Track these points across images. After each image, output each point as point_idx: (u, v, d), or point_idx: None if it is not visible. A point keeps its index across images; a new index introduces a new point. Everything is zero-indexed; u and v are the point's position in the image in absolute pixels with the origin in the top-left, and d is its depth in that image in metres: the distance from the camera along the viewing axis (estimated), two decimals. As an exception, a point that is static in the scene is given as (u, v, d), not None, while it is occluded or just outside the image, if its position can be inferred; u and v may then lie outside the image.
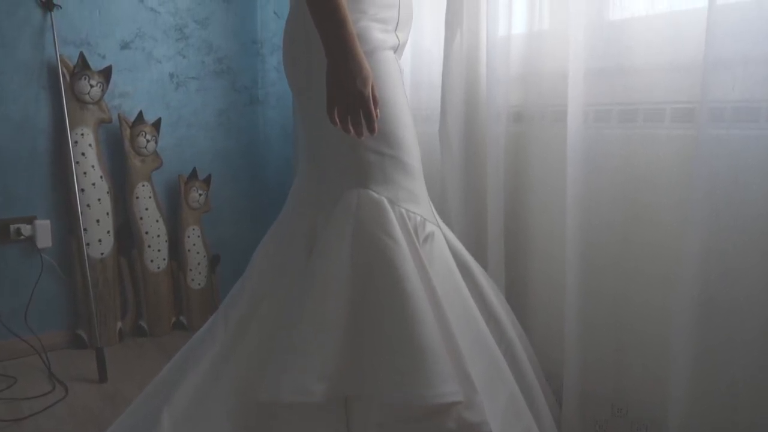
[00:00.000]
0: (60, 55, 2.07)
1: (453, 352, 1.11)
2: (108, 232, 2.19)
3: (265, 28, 2.56)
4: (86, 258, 2.08)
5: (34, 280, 2.09)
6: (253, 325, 1.23)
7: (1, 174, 2.04)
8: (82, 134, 2.12)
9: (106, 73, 2.15)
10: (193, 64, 2.40)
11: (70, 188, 2.08)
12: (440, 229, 1.27)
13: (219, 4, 2.43)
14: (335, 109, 1.09)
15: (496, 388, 1.17)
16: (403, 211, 1.18)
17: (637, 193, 1.36)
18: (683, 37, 1.26)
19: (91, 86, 2.11)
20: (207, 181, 2.42)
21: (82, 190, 2.11)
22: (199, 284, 2.42)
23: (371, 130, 1.10)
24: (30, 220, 2.09)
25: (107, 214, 2.18)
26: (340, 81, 1.07)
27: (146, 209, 2.27)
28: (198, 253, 2.40)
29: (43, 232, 2.11)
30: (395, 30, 1.25)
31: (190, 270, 2.39)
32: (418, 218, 1.20)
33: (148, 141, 2.24)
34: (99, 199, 2.16)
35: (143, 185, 2.26)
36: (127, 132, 2.23)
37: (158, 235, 2.31)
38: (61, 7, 2.08)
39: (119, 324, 2.25)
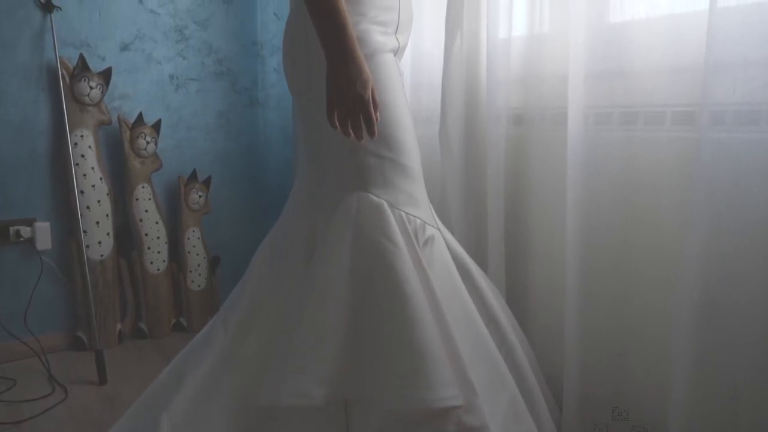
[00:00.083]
0: (60, 57, 2.06)
1: (453, 356, 1.11)
2: (108, 233, 2.19)
3: (265, 30, 2.56)
4: (86, 260, 2.08)
5: (33, 282, 2.09)
6: (252, 329, 1.23)
7: (0, 176, 2.04)
8: (82, 136, 2.12)
9: (106, 75, 2.15)
10: (193, 66, 2.39)
11: (69, 190, 2.08)
12: (440, 232, 1.26)
13: (219, 5, 2.42)
14: (335, 112, 1.09)
15: (497, 392, 1.17)
16: (403, 214, 1.18)
17: (638, 195, 1.36)
18: (684, 40, 1.26)
19: (91, 88, 2.10)
20: (207, 182, 2.41)
21: (82, 191, 2.11)
22: (199, 286, 2.42)
23: (371, 133, 1.10)
24: (30, 222, 2.09)
25: (107, 215, 2.18)
26: (339, 84, 1.07)
27: (146, 211, 2.27)
28: (198, 254, 2.40)
29: (43, 234, 2.10)
30: (395, 33, 1.25)
31: (190, 272, 2.39)
32: (418, 221, 1.20)
33: (147, 143, 2.24)
34: (99, 201, 2.15)
35: (143, 187, 2.26)
36: (127, 134, 2.23)
37: (158, 237, 2.30)
38: (60, 9, 2.08)
39: (119, 326, 2.25)
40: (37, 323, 2.10)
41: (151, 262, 2.30)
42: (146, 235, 2.27)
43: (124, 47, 2.23)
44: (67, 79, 2.09)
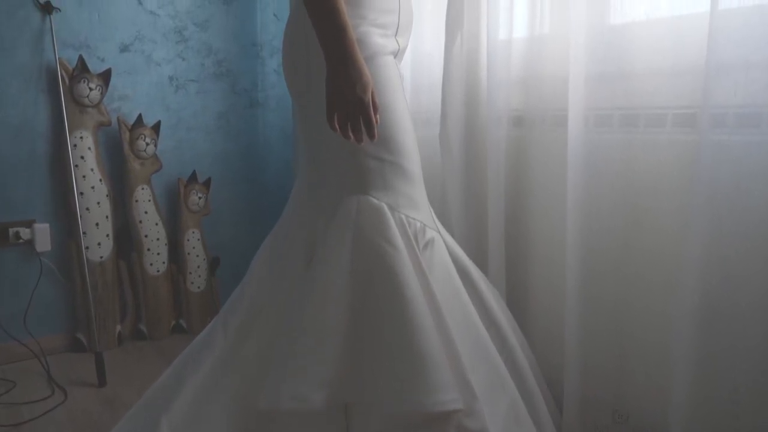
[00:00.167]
0: (59, 58, 2.06)
1: (453, 359, 1.11)
2: (107, 235, 2.19)
3: (264, 31, 2.55)
4: (85, 261, 2.07)
5: (33, 283, 2.09)
6: (252, 332, 1.23)
7: (0, 177, 2.03)
8: (81, 137, 2.11)
9: (106, 76, 2.15)
10: (192, 67, 2.39)
11: (69, 191, 2.08)
12: (440, 234, 1.26)
13: (219, 6, 2.42)
14: (335, 115, 1.08)
15: (497, 395, 1.17)
16: (403, 217, 1.18)
17: (638, 198, 1.36)
18: (685, 42, 1.26)
19: (91, 89, 2.10)
20: (206, 184, 2.41)
21: (81, 193, 2.11)
22: (198, 287, 2.41)
23: (371, 136, 1.10)
24: (29, 224, 2.09)
25: (106, 217, 2.18)
26: (339, 87, 1.07)
27: (146, 212, 2.26)
28: (197, 256, 2.40)
29: (42, 236, 2.10)
30: (395, 35, 1.24)
31: (190, 273, 2.38)
32: (418, 224, 1.20)
33: (147, 144, 2.23)
34: (98, 203, 2.15)
35: (142, 188, 2.26)
36: (127, 135, 2.22)
37: (158, 239, 2.30)
38: (60, 10, 2.07)
39: (118, 327, 2.24)
40: (37, 325, 2.09)
41: (151, 264, 2.29)
42: (146, 236, 2.27)
43: (124, 48, 2.23)
44: (67, 81, 2.08)
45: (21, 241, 2.07)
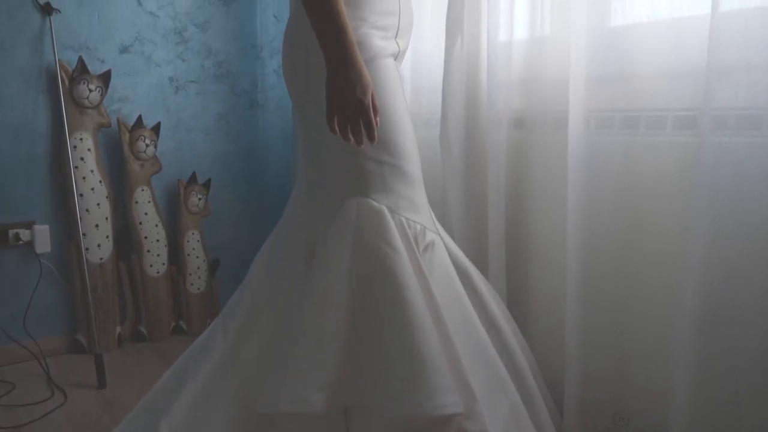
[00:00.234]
0: (59, 60, 2.06)
1: (453, 362, 1.11)
2: (107, 236, 2.18)
3: (264, 32, 2.55)
4: (85, 263, 2.07)
5: (32, 285, 2.09)
6: (252, 335, 1.23)
7: (0, 179, 2.03)
8: (81, 139, 2.11)
9: (105, 78, 2.14)
10: (192, 68, 2.39)
11: (69, 193, 2.07)
12: (440, 237, 1.26)
13: (218, 7, 2.42)
14: (335, 117, 1.08)
15: (497, 398, 1.17)
16: (403, 219, 1.17)
17: (639, 200, 1.36)
18: (685, 44, 1.26)
19: (90, 90, 2.10)
20: (206, 185, 2.41)
21: (81, 194, 2.10)
22: (198, 289, 2.41)
23: (371, 138, 1.10)
24: (29, 225, 2.09)
25: (106, 218, 2.17)
26: (339, 90, 1.07)
27: (145, 214, 2.26)
28: (197, 257, 2.40)
29: (42, 237, 2.10)
30: (395, 37, 1.24)
31: (190, 274, 2.38)
32: (419, 227, 1.19)
33: (147, 145, 2.23)
34: (98, 204, 2.15)
35: (142, 190, 2.25)
36: (126, 136, 2.22)
37: (157, 240, 2.30)
38: (60, 11, 2.07)
39: (118, 329, 2.24)
40: (37, 326, 2.09)
41: (151, 265, 2.29)
42: (146, 238, 2.27)
43: (124, 50, 2.23)
44: (67, 82, 2.08)
45: (21, 242, 2.07)
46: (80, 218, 2.08)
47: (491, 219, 1.63)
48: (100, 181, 2.15)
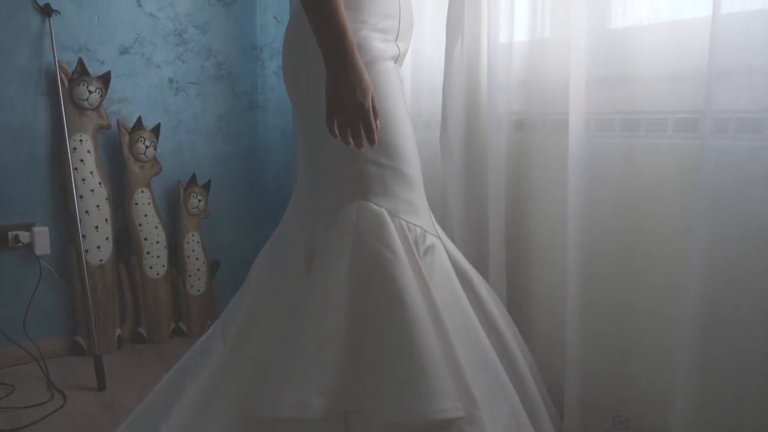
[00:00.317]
0: (58, 61, 2.06)
1: (453, 365, 1.11)
2: (107, 238, 2.18)
3: (264, 33, 2.55)
4: (85, 265, 2.07)
5: (32, 287, 2.08)
6: (252, 338, 1.23)
7: (-1, 180, 2.04)
8: (81, 140, 2.11)
9: (105, 79, 2.14)
10: (192, 69, 2.39)
11: (68, 195, 2.07)
12: (441, 240, 1.26)
13: (218, 9, 2.42)
14: (335, 120, 1.08)
15: (498, 401, 1.17)
16: (403, 223, 1.17)
17: (640, 202, 1.36)
18: (686, 46, 1.25)
19: (90, 92, 2.10)
20: (206, 186, 2.40)
21: (81, 196, 2.10)
22: (198, 290, 2.41)
23: (371, 141, 1.09)
24: (28, 227, 2.08)
25: (106, 220, 2.17)
26: (339, 93, 1.06)
27: (145, 215, 2.26)
28: (197, 259, 2.39)
29: (42, 239, 2.10)
30: (396, 40, 1.24)
31: (190, 276, 2.38)
32: (419, 230, 1.19)
33: (147, 147, 2.23)
34: (98, 206, 2.15)
35: (142, 191, 2.25)
36: (126, 138, 2.22)
37: (157, 242, 2.30)
38: (59, 13, 2.07)
39: (118, 331, 2.24)
40: (36, 328, 2.09)
41: (151, 267, 2.29)
42: (145, 239, 2.26)
43: (123, 51, 2.23)
44: (66, 84, 2.08)
45: (20, 244, 2.06)
46: (80, 220, 2.08)
47: (491, 221, 1.62)
48: (100, 183, 2.15)
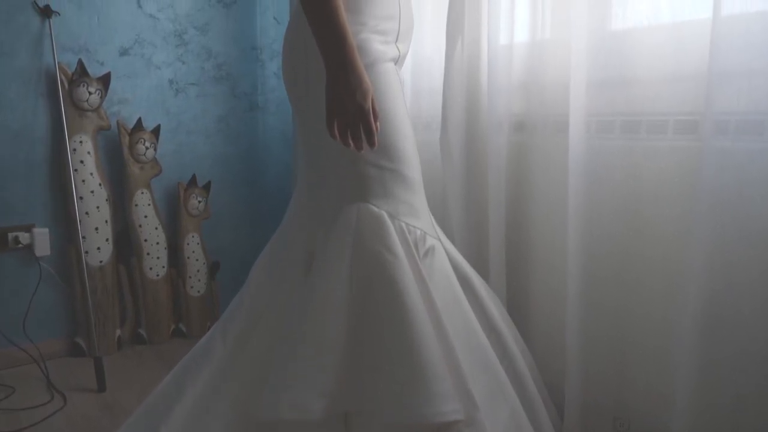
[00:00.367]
0: (58, 62, 2.05)
1: (453, 367, 1.11)
2: (107, 239, 2.18)
3: (264, 34, 2.55)
4: (85, 266, 2.07)
5: (32, 288, 2.08)
6: (252, 340, 1.23)
7: (-1, 182, 2.04)
8: (81, 141, 2.11)
9: (105, 80, 2.14)
10: (192, 71, 2.38)
11: (68, 196, 2.07)
12: (441, 242, 1.26)
13: (218, 10, 2.41)
14: (335, 122, 1.08)
15: (498, 404, 1.16)
16: (404, 225, 1.17)
17: (640, 205, 1.35)
18: (687, 48, 1.25)
19: (90, 93, 2.09)
20: (206, 187, 2.40)
21: (81, 197, 2.10)
22: (198, 291, 2.41)
23: (371, 144, 1.09)
24: (28, 228, 2.08)
25: (106, 221, 2.17)
26: (339, 95, 1.06)
27: (145, 216, 2.26)
28: (197, 260, 2.39)
29: (42, 241, 2.09)
30: (396, 41, 1.24)
31: (190, 277, 2.38)
32: (419, 232, 1.19)
33: (147, 148, 2.23)
34: (98, 207, 2.14)
35: (142, 192, 2.25)
36: (126, 139, 2.22)
37: (157, 243, 2.29)
38: (59, 14, 2.07)
39: (118, 332, 2.24)
40: (36, 330, 2.09)
41: (151, 268, 2.29)
42: (145, 240, 2.26)
43: (123, 52, 2.23)
44: (66, 85, 2.08)
45: (20, 245, 2.06)
46: (80, 221, 2.08)
47: (491, 222, 1.62)
48: (100, 184, 2.15)
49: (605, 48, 1.37)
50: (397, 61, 1.26)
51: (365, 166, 1.16)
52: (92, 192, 2.13)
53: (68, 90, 2.08)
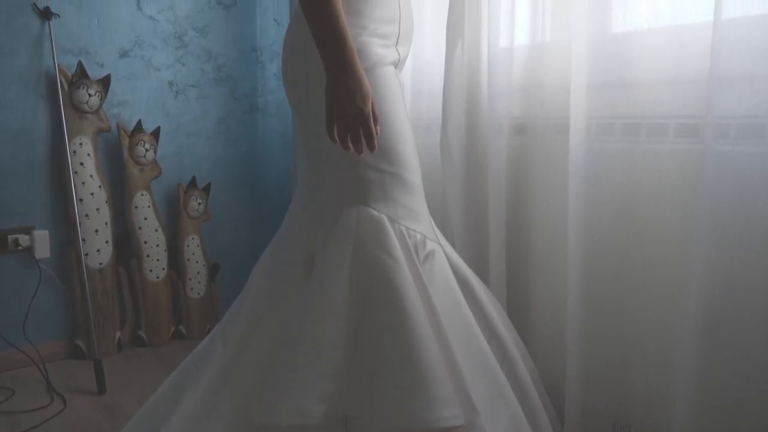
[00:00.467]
0: (58, 64, 2.05)
1: (453, 372, 1.10)
2: (107, 241, 2.18)
3: (264, 36, 2.55)
4: (85, 268, 2.06)
5: (32, 290, 2.08)
6: (252, 343, 1.22)
7: (-1, 184, 2.03)
8: (81, 143, 2.11)
9: (105, 82, 2.14)
10: (192, 72, 2.38)
11: (68, 198, 2.07)
12: (441, 246, 1.25)
13: (218, 11, 2.41)
14: (335, 126, 1.07)
15: (498, 408, 1.16)
16: (404, 228, 1.17)
17: (640, 208, 1.35)
18: (687, 51, 1.25)
19: (90, 95, 2.09)
20: (206, 189, 2.40)
21: (81, 199, 2.10)
22: (198, 293, 2.40)
23: (371, 147, 1.09)
24: (28, 231, 2.08)
25: (106, 223, 2.17)
26: (339, 98, 1.06)
27: (145, 219, 2.26)
28: (197, 262, 2.39)
29: (42, 243, 2.09)
30: (396, 45, 1.24)
31: (190, 279, 2.38)
32: (419, 236, 1.19)
33: (146, 150, 2.23)
34: (97, 209, 2.14)
35: (142, 194, 2.25)
36: (126, 141, 2.21)
37: (157, 245, 2.29)
38: (59, 16, 2.07)
39: (118, 334, 2.24)
40: (36, 332, 2.09)
41: (151, 270, 2.29)
42: (145, 242, 2.26)
43: (123, 54, 2.22)
44: (66, 87, 2.08)
45: (20, 247, 2.06)
46: (80, 223, 2.08)
47: (492, 225, 1.62)
48: (100, 186, 2.15)
49: (605, 51, 1.37)
50: (397, 64, 1.25)
51: (365, 170, 1.15)
52: (92, 194, 2.13)
53: (68, 92, 2.08)
